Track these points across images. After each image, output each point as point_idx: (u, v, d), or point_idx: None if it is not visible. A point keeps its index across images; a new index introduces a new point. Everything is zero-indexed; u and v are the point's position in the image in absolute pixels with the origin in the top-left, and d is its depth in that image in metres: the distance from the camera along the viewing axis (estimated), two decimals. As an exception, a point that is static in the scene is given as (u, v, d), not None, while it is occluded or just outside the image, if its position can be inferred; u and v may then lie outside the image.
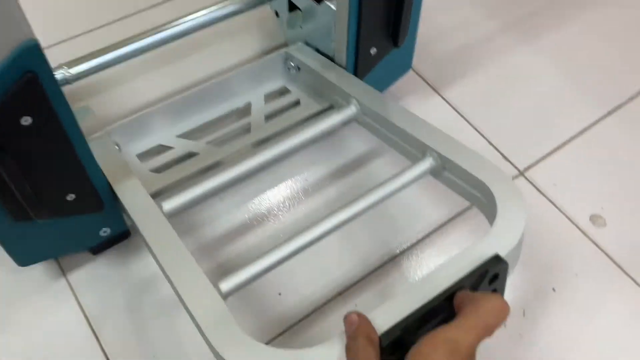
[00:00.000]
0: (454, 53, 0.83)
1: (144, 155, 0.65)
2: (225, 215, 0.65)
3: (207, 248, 0.63)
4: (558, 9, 0.89)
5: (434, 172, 0.58)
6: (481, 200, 0.54)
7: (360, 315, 0.43)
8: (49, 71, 0.43)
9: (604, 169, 0.70)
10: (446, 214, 0.65)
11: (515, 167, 0.70)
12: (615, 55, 0.83)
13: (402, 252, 0.63)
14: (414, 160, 0.59)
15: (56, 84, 0.44)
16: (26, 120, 0.44)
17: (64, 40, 0.81)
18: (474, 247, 0.48)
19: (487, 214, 0.54)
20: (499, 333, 0.53)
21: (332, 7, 0.63)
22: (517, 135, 0.73)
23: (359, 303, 0.59)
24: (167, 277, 0.50)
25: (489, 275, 0.46)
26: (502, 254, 0.47)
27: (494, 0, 0.90)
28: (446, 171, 0.57)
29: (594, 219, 0.65)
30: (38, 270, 0.61)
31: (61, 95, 0.45)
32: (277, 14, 0.74)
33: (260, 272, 0.51)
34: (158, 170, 0.63)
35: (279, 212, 0.65)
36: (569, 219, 0.65)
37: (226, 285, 0.49)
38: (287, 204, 0.66)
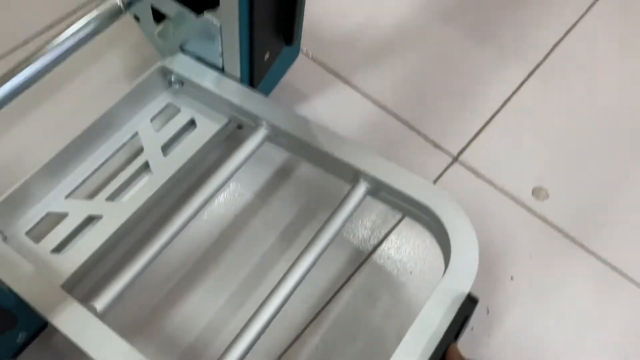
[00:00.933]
0: (349, 34, 0.77)
1: (35, 233, 0.55)
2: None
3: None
4: None
5: (371, 194, 0.57)
6: (428, 222, 0.55)
7: None
8: None
9: (536, 136, 0.69)
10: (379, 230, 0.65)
11: (449, 154, 0.68)
12: (523, 12, 0.80)
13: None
14: (343, 179, 0.58)
15: None
16: None
17: None
18: (444, 288, 0.49)
19: (435, 234, 0.55)
20: (468, 337, 0.56)
21: (215, 22, 0.55)
22: (441, 118, 0.70)
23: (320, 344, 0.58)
24: None
25: (468, 318, 0.48)
26: (469, 286, 0.49)
27: None
28: (383, 192, 0.56)
29: (537, 192, 0.65)
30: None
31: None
32: (137, 18, 0.63)
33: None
34: (59, 248, 0.54)
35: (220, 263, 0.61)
36: (512, 198, 0.65)
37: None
38: (232, 256, 0.61)
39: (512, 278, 0.60)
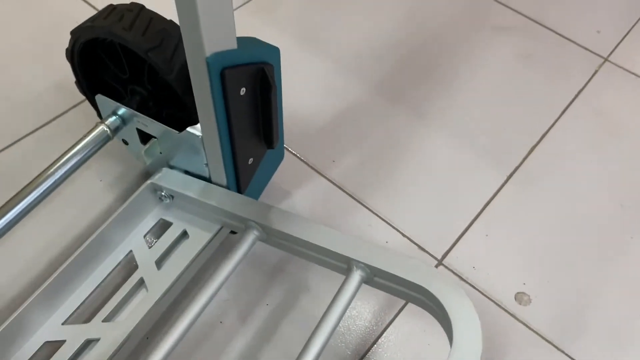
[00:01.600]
0: (330, 132, 0.82)
1: (33, 365, 0.54)
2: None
3: None
4: (434, 79, 0.89)
5: (366, 281, 0.57)
6: (426, 303, 0.55)
7: None
8: None
9: (517, 240, 0.71)
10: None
11: (433, 257, 0.69)
12: (500, 119, 0.84)
13: None
14: (338, 270, 0.58)
15: None
16: None
17: None
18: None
19: (434, 314, 0.55)
20: None
21: (197, 133, 0.58)
22: (425, 221, 0.72)
23: None
24: None
25: None
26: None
27: (366, 75, 0.89)
28: (378, 278, 0.56)
29: (519, 297, 0.66)
30: None
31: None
32: (125, 142, 0.67)
33: None
34: (59, 377, 0.53)
35: None
36: (495, 303, 0.66)
37: None
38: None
39: None
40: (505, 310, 0.65)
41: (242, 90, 0.53)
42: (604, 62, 0.92)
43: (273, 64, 0.56)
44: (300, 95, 0.85)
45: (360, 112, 0.84)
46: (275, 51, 0.57)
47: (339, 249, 0.56)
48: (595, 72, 0.91)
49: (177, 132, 0.59)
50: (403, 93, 0.87)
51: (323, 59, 0.90)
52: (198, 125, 0.58)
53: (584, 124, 0.84)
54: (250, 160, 0.62)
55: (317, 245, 0.57)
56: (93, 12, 0.91)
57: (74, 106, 0.80)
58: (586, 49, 0.94)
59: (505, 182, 0.77)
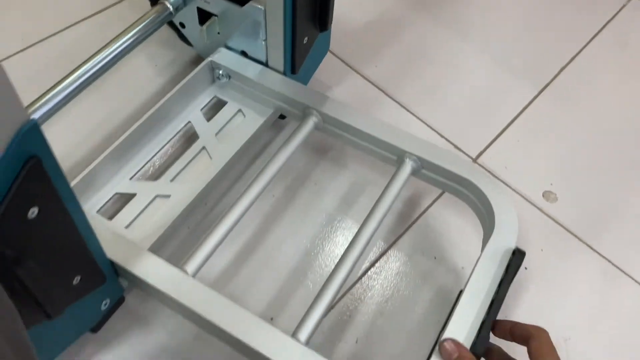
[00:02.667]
0: (371, 38, 0.85)
1: (106, 212, 0.58)
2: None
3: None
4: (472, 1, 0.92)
5: (414, 172, 0.61)
6: (469, 197, 0.59)
7: (457, 344, 0.46)
8: (49, 151, 0.37)
9: (546, 145, 0.75)
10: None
11: (468, 156, 0.74)
12: (532, 42, 0.88)
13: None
14: (388, 161, 0.62)
15: (57, 164, 0.38)
16: (33, 213, 0.38)
17: None
18: (493, 247, 0.53)
19: (475, 208, 0.60)
20: None
21: (260, 6, 0.61)
22: (461, 124, 0.76)
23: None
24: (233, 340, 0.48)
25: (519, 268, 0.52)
26: (514, 243, 0.53)
27: None
28: (425, 170, 0.61)
29: (547, 195, 0.70)
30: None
31: (62, 175, 0.39)
32: (182, 25, 0.70)
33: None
34: (132, 224, 0.57)
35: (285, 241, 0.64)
36: (525, 198, 0.70)
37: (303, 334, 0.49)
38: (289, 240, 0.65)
39: (525, 268, 0.65)
40: (534, 205, 0.70)
41: (308, -41, 0.56)
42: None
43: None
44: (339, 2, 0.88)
45: (401, 22, 0.88)
46: None
47: (393, 141, 0.61)
48: (624, 6, 0.95)
49: (240, 6, 0.62)
50: (442, 9, 0.90)
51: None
52: (257, 1, 0.61)
53: (611, 51, 0.88)
54: (305, 40, 0.65)
55: (372, 136, 0.61)
56: None
57: (126, -2, 0.83)
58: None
59: (537, 95, 0.81)
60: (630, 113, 0.81)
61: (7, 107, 0.33)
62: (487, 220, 0.57)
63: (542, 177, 0.73)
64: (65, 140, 0.68)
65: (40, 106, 0.55)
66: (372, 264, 0.63)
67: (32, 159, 0.36)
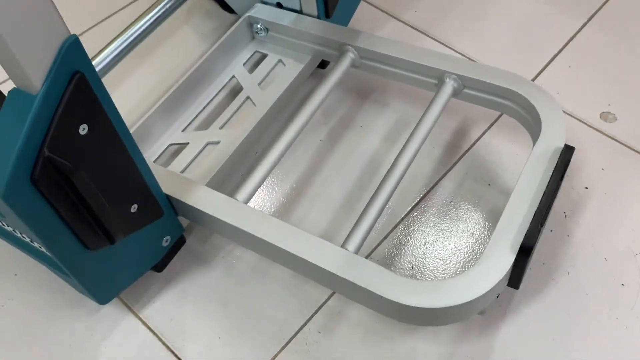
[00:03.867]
0: None
1: (162, 161, 0.62)
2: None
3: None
4: None
5: (455, 93, 0.61)
6: (512, 107, 0.58)
7: None
8: (92, 68, 0.40)
9: (600, 70, 0.73)
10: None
11: None
12: None
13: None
14: (428, 87, 0.62)
15: (101, 83, 0.41)
16: (83, 129, 0.41)
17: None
18: (543, 145, 0.52)
19: (521, 118, 0.58)
20: (549, 238, 0.58)
21: (287, -48, 0.63)
22: (506, 56, 0.75)
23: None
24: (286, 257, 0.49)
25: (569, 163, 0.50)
26: (563, 140, 0.52)
27: None
28: (467, 89, 0.60)
29: (604, 116, 0.68)
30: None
31: (107, 93, 0.42)
32: (220, -12, 0.73)
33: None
34: (187, 169, 0.60)
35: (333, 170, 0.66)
36: (581, 121, 0.68)
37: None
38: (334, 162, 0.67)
39: (586, 188, 0.62)
40: (591, 126, 0.67)
41: None
42: None
43: None
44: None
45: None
46: None
47: (432, 63, 0.60)
48: None
49: (269, -45, 0.65)
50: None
51: None
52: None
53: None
54: (336, -18, 0.67)
55: (410, 62, 0.61)
56: None
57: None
58: None
59: (587, 22, 0.78)
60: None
61: (49, 22, 0.36)
62: (534, 127, 0.56)
63: (598, 99, 0.70)
64: (123, 105, 0.72)
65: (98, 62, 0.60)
66: (425, 195, 0.63)
67: (77, 74, 0.39)
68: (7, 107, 0.38)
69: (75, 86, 0.39)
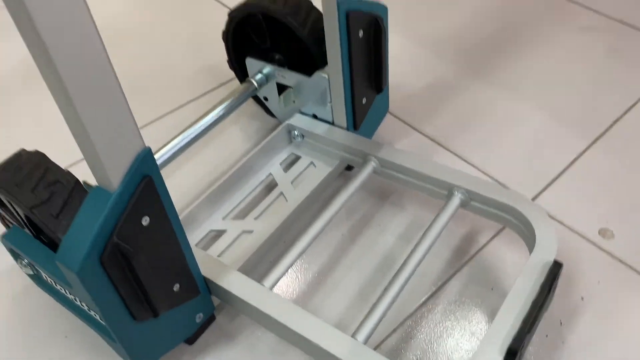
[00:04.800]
0: (426, 99, 0.96)
1: (203, 245, 0.71)
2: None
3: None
4: (524, 51, 1.04)
5: (463, 204, 0.69)
6: (512, 221, 0.66)
7: None
8: (158, 173, 0.50)
9: (600, 191, 0.80)
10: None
11: None
12: (588, 87, 0.96)
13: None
14: (439, 197, 0.71)
15: (163, 184, 0.51)
16: (145, 220, 0.50)
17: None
18: (533, 261, 0.59)
19: (520, 232, 0.66)
20: (544, 342, 0.64)
21: (324, 75, 0.75)
22: (515, 172, 0.83)
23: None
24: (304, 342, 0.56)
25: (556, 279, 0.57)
26: (553, 256, 0.59)
27: (457, 51, 1.07)
28: (474, 202, 0.69)
29: (603, 232, 0.74)
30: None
31: (168, 194, 0.52)
32: (265, 99, 0.85)
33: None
34: (223, 254, 0.69)
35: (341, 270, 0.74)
36: (580, 235, 0.74)
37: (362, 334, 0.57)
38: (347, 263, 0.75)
39: (582, 298, 0.68)
40: (590, 241, 0.74)
41: (360, 33, 0.70)
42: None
43: (383, 17, 0.72)
44: (400, 70, 1.01)
45: (455, 85, 0.98)
46: (384, 8, 0.73)
47: (442, 177, 0.70)
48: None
49: (309, 77, 0.76)
50: (493, 70, 1.00)
51: (423, 44, 1.06)
52: (324, 69, 0.75)
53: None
54: (364, 100, 0.77)
55: (423, 174, 0.71)
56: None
57: (222, 84, 1.01)
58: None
59: (592, 144, 0.87)
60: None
61: (130, 137, 0.47)
62: (530, 240, 0.63)
63: (597, 216, 0.77)
64: (174, 192, 0.83)
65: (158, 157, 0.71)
66: (433, 293, 0.70)
67: (146, 178, 0.49)
68: (89, 200, 0.48)
69: (144, 187, 0.49)
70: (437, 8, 1.16)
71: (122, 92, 0.45)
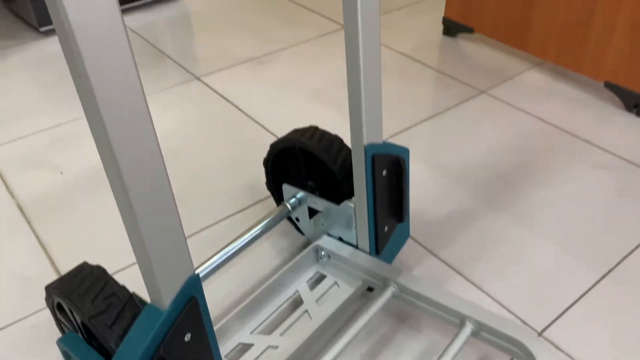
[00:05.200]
0: (444, 228, 1.05)
1: (231, 357, 0.77)
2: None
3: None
4: (539, 185, 1.14)
5: (474, 334, 0.75)
6: (519, 353, 0.71)
7: None
8: (203, 294, 0.58)
9: (608, 325, 0.85)
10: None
11: (534, 329, 0.85)
12: (598, 222, 1.04)
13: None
14: (452, 324, 0.77)
15: (206, 304, 0.59)
16: (188, 337, 0.57)
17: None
18: None
19: None
20: None
21: (351, 205, 0.84)
22: (526, 302, 0.89)
23: None
24: None
25: None
26: None
27: (473, 183, 1.17)
28: (483, 332, 0.74)
29: None
30: None
31: (208, 312, 0.59)
32: (297, 219, 0.94)
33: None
34: (250, 367, 0.75)
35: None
36: None
37: None
38: None
39: None
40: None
41: (384, 172, 0.79)
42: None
43: (405, 158, 0.82)
44: (423, 196, 1.09)
45: (473, 214, 1.06)
46: (406, 150, 0.83)
47: (456, 307, 0.76)
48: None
49: (337, 205, 0.85)
50: (509, 202, 1.08)
51: (445, 173, 1.15)
52: (351, 200, 0.84)
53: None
54: (386, 228, 0.85)
55: (438, 303, 0.77)
56: (273, 138, 1.26)
57: (259, 201, 1.11)
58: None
59: (601, 278, 0.92)
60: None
61: (183, 262, 0.55)
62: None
63: (606, 350, 0.81)
64: (208, 302, 0.90)
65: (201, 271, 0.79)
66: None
67: (192, 298, 0.57)
68: (143, 316, 0.56)
69: (190, 307, 0.56)
70: (462, 139, 1.27)
71: (180, 221, 0.54)
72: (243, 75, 1.53)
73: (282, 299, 0.85)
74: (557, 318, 0.86)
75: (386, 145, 0.79)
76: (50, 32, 1.76)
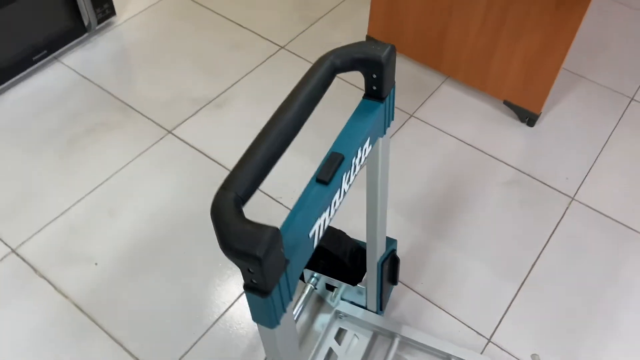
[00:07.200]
0: (412, 262, 1.42)
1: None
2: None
3: None
4: (467, 206, 1.52)
5: None
6: None
7: None
8: None
9: (536, 321, 1.31)
10: None
11: (484, 337, 1.28)
12: (508, 234, 1.47)
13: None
14: None
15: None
16: None
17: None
18: None
19: None
20: None
21: (362, 286, 1.18)
22: (475, 315, 1.29)
23: None
24: None
25: None
26: None
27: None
28: None
29: (534, 357, 1.24)
30: None
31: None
32: (315, 287, 1.27)
33: None
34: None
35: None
36: (515, 358, 1.23)
37: None
38: None
39: None
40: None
41: (385, 265, 1.14)
42: (571, 201, 1.53)
43: (395, 248, 1.17)
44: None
45: (425, 245, 1.45)
46: (395, 242, 1.17)
47: (444, 348, 1.16)
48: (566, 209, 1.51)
49: (352, 285, 1.19)
50: (448, 231, 1.48)
51: (398, 211, 1.51)
52: (363, 281, 1.18)
53: (564, 245, 1.45)
54: (386, 292, 1.22)
55: (431, 347, 1.16)
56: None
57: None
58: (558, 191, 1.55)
59: (520, 286, 1.35)
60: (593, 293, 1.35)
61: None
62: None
63: (531, 344, 1.25)
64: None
65: None
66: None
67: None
68: None
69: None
70: (407, 170, 1.61)
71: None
72: (208, 121, 1.70)
73: (321, 354, 1.20)
74: (498, 324, 1.30)
75: (387, 250, 1.13)
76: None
